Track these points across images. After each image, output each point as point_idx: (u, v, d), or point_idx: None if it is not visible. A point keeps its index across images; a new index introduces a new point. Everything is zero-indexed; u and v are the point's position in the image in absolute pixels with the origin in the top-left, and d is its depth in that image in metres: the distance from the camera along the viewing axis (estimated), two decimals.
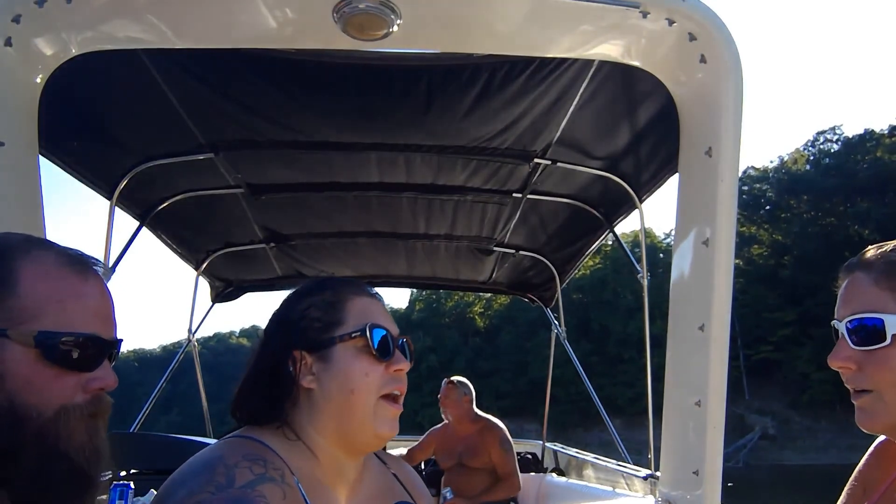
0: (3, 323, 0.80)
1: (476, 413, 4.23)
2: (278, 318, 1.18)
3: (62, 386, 0.83)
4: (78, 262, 0.89)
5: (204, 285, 4.60)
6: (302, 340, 1.13)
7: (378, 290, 1.25)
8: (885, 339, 1.01)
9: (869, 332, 1.03)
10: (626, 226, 3.52)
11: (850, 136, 58.44)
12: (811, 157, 61.24)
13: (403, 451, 4.42)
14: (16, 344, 0.80)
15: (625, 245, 3.63)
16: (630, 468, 3.30)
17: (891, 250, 1.09)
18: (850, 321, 1.05)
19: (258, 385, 1.13)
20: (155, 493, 2.17)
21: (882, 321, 1.02)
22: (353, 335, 1.12)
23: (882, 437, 1.22)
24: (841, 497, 1.24)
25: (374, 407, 1.10)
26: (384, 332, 1.14)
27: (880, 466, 1.19)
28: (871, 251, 1.11)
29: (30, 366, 0.80)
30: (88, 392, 0.85)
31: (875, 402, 1.04)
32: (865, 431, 1.09)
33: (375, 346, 1.11)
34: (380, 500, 1.20)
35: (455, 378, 4.31)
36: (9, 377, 0.79)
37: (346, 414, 1.10)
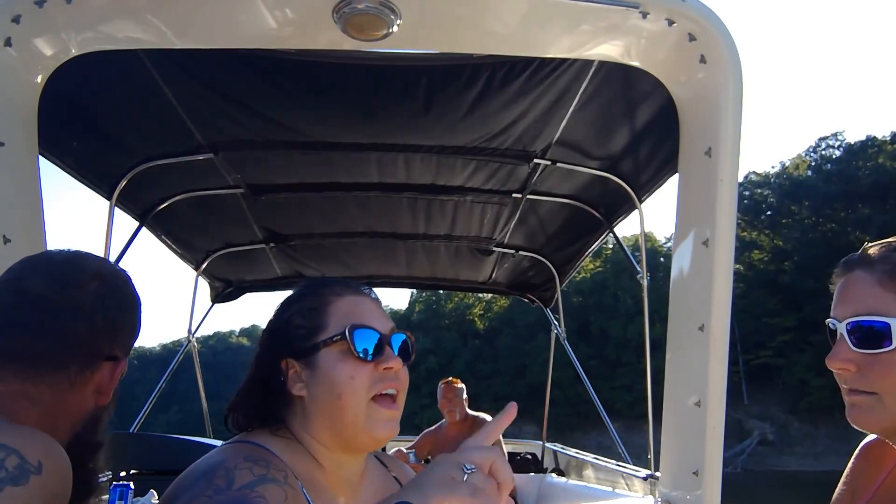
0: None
1: (468, 412, 4.51)
2: (268, 327, 1.19)
3: None
4: None
5: (204, 285, 4.60)
6: (288, 349, 1.13)
7: (378, 290, 1.24)
8: (889, 343, 0.99)
9: (872, 335, 1.00)
10: (627, 229, 3.54)
11: (852, 143, 58.50)
12: (813, 163, 61.22)
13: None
14: None
15: (625, 246, 3.63)
16: (630, 468, 3.29)
17: (894, 249, 1.05)
18: (850, 322, 1.02)
19: (251, 394, 1.14)
20: (155, 493, 2.17)
21: (888, 325, 0.99)
22: (335, 338, 1.09)
23: (868, 438, 1.20)
24: (832, 500, 1.22)
25: (366, 410, 1.08)
26: (369, 331, 1.11)
27: (868, 468, 1.18)
28: (873, 248, 1.08)
29: None
30: None
31: (874, 403, 1.02)
32: (857, 428, 1.07)
33: (357, 347, 1.08)
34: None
35: (450, 379, 4.60)
36: None
37: (338, 419, 1.08)
